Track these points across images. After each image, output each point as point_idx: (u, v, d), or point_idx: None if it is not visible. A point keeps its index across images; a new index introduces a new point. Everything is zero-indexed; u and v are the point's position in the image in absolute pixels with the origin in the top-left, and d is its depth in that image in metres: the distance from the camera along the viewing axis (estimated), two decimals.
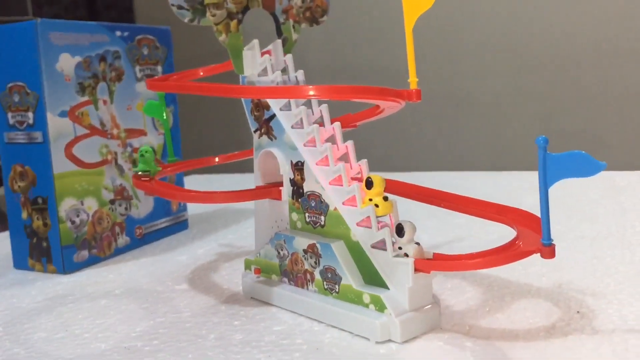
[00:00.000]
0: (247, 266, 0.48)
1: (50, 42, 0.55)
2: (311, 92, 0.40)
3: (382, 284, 0.39)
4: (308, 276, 0.43)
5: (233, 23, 0.46)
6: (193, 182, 1.01)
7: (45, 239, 0.57)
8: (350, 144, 0.42)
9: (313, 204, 0.43)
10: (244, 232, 0.68)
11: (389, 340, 0.38)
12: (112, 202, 0.61)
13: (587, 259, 0.51)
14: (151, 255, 0.62)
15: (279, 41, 0.48)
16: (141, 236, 0.65)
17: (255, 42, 0.46)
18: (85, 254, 0.58)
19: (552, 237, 0.35)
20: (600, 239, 0.56)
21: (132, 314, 0.46)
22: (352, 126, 0.50)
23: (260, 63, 0.46)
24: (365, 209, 0.39)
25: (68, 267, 0.57)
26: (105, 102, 0.60)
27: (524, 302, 0.43)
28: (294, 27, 0.49)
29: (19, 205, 0.57)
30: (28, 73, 0.55)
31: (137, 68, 0.64)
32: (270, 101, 0.45)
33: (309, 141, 0.43)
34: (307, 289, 0.43)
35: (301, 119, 0.43)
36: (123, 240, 0.63)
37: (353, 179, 0.41)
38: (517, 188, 0.80)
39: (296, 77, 0.46)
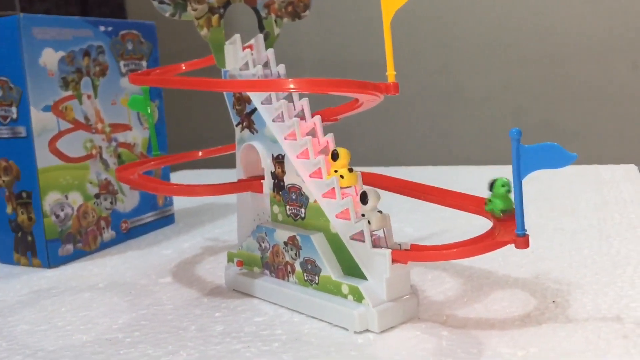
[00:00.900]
0: (230, 259, 0.48)
1: (33, 37, 0.55)
2: (289, 86, 0.40)
3: (361, 275, 0.40)
4: (289, 268, 0.44)
5: (214, 17, 0.46)
6: (182, 178, 1.02)
7: (30, 233, 0.57)
8: (330, 137, 0.42)
9: (294, 197, 0.44)
10: (230, 226, 0.69)
11: (367, 330, 0.38)
12: (97, 196, 0.62)
13: (565, 251, 0.52)
14: (137, 249, 0.62)
15: (261, 36, 0.48)
16: (127, 230, 0.65)
17: (237, 36, 0.47)
18: (70, 248, 0.59)
19: (528, 228, 0.35)
20: (580, 231, 0.57)
21: (114, 306, 0.46)
22: (333, 120, 0.50)
23: (242, 57, 0.46)
24: (343, 201, 0.40)
25: (53, 261, 0.57)
26: (89, 96, 0.61)
27: (501, 293, 0.43)
28: (276, 21, 0.50)
29: (4, 199, 0.57)
30: (11, 68, 0.55)
31: (122, 63, 0.64)
32: (251, 95, 0.46)
33: (289, 134, 0.44)
34: (288, 280, 0.44)
35: (282, 113, 0.44)
36: (109, 234, 0.63)
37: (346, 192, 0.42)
38: None
39: (278, 71, 0.47)
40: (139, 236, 0.66)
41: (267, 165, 0.45)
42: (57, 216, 0.57)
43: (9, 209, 0.57)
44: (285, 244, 0.43)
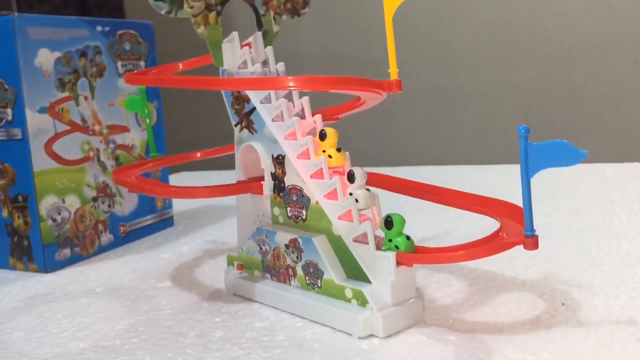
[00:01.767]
0: (230, 262, 0.47)
1: (28, 37, 0.54)
2: (289, 83, 0.39)
3: (365, 279, 0.39)
4: (290, 271, 0.42)
5: (212, 15, 0.45)
6: (181, 179, 1.00)
7: (26, 238, 0.56)
8: (318, 117, 0.41)
9: (294, 198, 0.43)
10: (230, 229, 0.67)
11: (372, 336, 0.37)
12: (94, 199, 0.60)
13: (573, 251, 0.50)
14: (135, 253, 0.61)
15: (259, 33, 0.47)
16: (125, 234, 0.64)
17: (235, 34, 0.46)
18: (67, 252, 0.57)
19: (535, 228, 0.34)
20: (587, 230, 0.56)
21: (112, 312, 0.45)
22: (335, 119, 0.49)
23: (240, 55, 0.45)
24: (346, 202, 0.39)
25: (50, 266, 0.56)
26: (86, 98, 0.59)
27: (508, 295, 0.42)
28: (274, 19, 0.48)
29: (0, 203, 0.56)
30: (6, 68, 0.54)
31: (119, 63, 0.63)
32: (250, 94, 0.45)
33: (289, 134, 0.42)
34: (290, 284, 0.43)
35: (282, 112, 0.43)
36: (107, 238, 0.62)
37: (335, 172, 0.41)
38: (508, 180, 0.79)
39: (277, 69, 0.46)
40: (138, 239, 0.65)
41: (267, 166, 0.44)
42: (54, 220, 0.56)
43: (4, 213, 0.56)
44: (287, 246, 0.42)
